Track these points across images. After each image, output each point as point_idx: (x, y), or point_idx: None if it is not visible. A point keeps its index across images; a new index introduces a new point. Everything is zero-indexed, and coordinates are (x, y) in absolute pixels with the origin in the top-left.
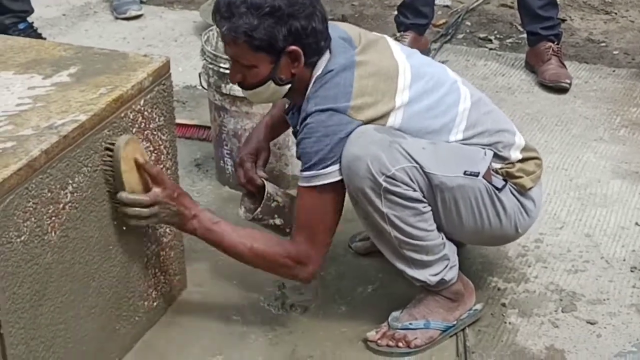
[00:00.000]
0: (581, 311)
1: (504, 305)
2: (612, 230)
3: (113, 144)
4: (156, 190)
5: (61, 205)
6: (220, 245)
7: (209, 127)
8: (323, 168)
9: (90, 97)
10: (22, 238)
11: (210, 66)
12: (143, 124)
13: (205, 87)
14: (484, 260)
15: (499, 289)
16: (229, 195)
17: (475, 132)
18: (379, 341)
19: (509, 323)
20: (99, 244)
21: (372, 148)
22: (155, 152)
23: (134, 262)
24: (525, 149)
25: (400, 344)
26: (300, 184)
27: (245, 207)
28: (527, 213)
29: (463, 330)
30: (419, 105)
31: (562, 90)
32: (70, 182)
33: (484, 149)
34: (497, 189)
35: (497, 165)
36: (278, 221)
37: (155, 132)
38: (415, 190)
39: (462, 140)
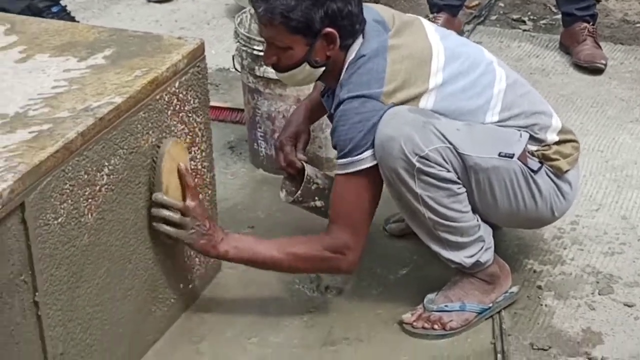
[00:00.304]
0: (618, 294)
1: (539, 287)
2: None
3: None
4: (191, 203)
5: (97, 188)
6: (256, 262)
7: (242, 110)
8: (357, 155)
9: (126, 80)
10: (59, 220)
11: (244, 48)
12: (178, 106)
13: (239, 69)
14: (520, 242)
15: (534, 272)
16: (262, 177)
17: (511, 114)
18: (414, 323)
19: (545, 305)
20: (135, 226)
21: (406, 128)
22: (190, 134)
23: (170, 245)
24: (562, 131)
25: (435, 326)
26: (337, 172)
27: (286, 190)
28: (563, 196)
29: (499, 312)
30: (453, 87)
31: (598, 71)
32: (107, 164)
33: (519, 131)
34: (532, 171)
35: (533, 148)
36: (319, 203)
37: (190, 115)
38: (449, 171)
39: (498, 122)
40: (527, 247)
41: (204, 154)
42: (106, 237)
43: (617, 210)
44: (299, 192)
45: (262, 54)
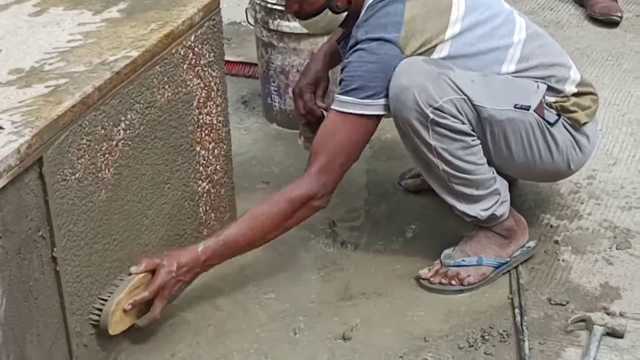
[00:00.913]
0: (636, 248)
1: (557, 242)
2: None
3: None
4: (148, 290)
5: (114, 143)
6: (243, 248)
7: (255, 64)
8: (363, 98)
9: (142, 33)
10: (77, 175)
11: (257, 1)
12: (194, 60)
13: (252, 23)
14: (537, 197)
15: (551, 226)
16: (276, 132)
17: (529, 65)
18: (431, 279)
19: (562, 260)
20: (151, 181)
21: (420, 79)
22: (206, 88)
23: (186, 200)
24: (580, 83)
25: (453, 282)
26: (333, 107)
27: (304, 136)
28: (580, 149)
29: (516, 267)
30: (470, 36)
31: (613, 23)
32: (123, 119)
33: (536, 82)
34: (549, 123)
35: (551, 99)
36: None
37: (205, 69)
38: (463, 123)
39: (515, 72)
40: (543, 202)
41: (219, 108)
42: (123, 193)
43: (635, 164)
44: None
45: (276, 6)
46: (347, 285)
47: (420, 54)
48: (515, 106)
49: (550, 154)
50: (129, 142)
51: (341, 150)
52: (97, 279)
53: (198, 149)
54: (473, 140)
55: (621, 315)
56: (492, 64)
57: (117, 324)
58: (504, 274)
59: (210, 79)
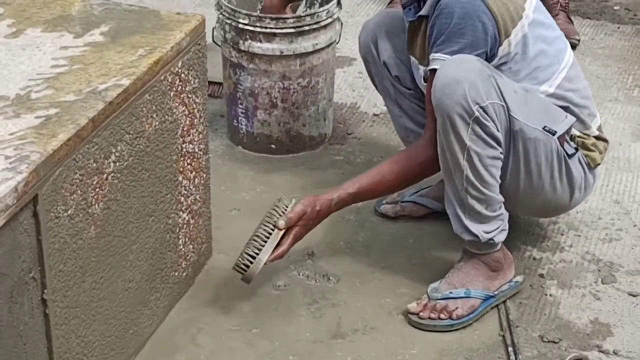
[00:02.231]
0: (621, 282)
1: (542, 276)
2: None
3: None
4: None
5: (104, 176)
6: (364, 200)
7: (219, 83)
8: (454, 53)
9: (130, 59)
10: (69, 212)
11: (228, 21)
12: (180, 87)
13: (219, 43)
14: (516, 227)
15: (534, 259)
16: (242, 155)
17: (572, 86)
18: (420, 313)
19: (550, 295)
20: (137, 214)
21: (472, 75)
22: (190, 116)
23: (167, 232)
24: (600, 128)
25: (442, 315)
26: (431, 66)
27: None
28: (585, 188)
29: (504, 302)
30: (539, 31)
31: (571, 46)
32: (114, 150)
33: (566, 112)
34: (567, 154)
35: (575, 132)
36: None
37: (190, 95)
38: (498, 131)
39: (555, 92)
40: (523, 233)
41: (200, 136)
42: (111, 228)
43: (609, 194)
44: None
45: (248, 27)
46: (338, 322)
47: (504, 24)
48: (544, 128)
49: (560, 184)
50: (118, 175)
51: None
52: (83, 320)
53: (180, 178)
54: (500, 153)
55: (615, 353)
56: (544, 71)
57: None
58: (492, 308)
59: (194, 105)
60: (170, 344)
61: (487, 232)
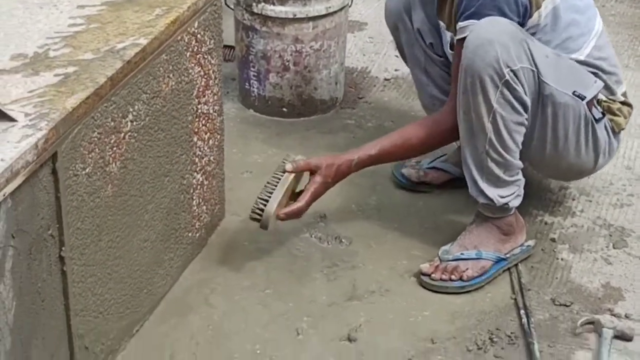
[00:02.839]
0: (632, 247)
1: (553, 240)
2: None
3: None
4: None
5: (122, 135)
6: (385, 162)
7: (231, 47)
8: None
9: (147, 19)
10: (87, 170)
11: None
12: (196, 48)
13: (231, 5)
14: (528, 192)
15: (546, 223)
16: (254, 119)
17: (601, 55)
18: (432, 275)
19: (561, 259)
20: (153, 174)
21: (504, 37)
22: (205, 77)
23: (182, 193)
24: (624, 94)
25: (453, 276)
26: (460, 34)
27: None
28: (609, 153)
29: (516, 266)
30: (568, 2)
31: None
32: (131, 110)
33: (596, 76)
34: (595, 119)
35: (602, 97)
36: None
37: (206, 56)
38: (527, 95)
39: (585, 60)
40: (534, 198)
41: (215, 97)
42: (127, 187)
43: (621, 160)
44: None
45: None
46: (353, 284)
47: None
48: (574, 93)
49: (586, 149)
50: (135, 134)
51: None
52: (99, 278)
53: (195, 139)
54: (526, 119)
55: (627, 317)
56: (575, 40)
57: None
58: (503, 271)
59: (210, 66)
60: (183, 304)
61: (503, 197)
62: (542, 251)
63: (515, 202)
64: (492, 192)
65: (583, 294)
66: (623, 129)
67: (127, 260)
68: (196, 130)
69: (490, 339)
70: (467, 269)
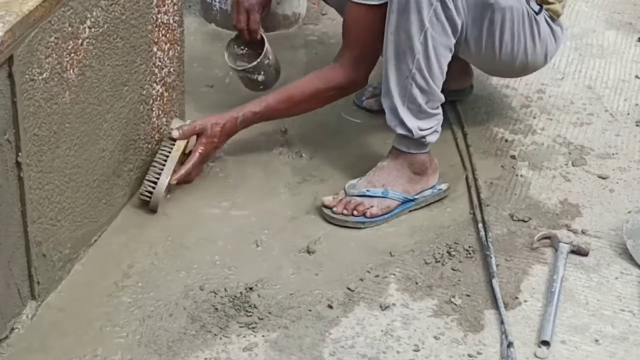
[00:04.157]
0: (591, 165)
1: (513, 157)
2: (612, 82)
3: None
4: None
5: (80, 41)
6: (272, 119)
7: None
8: None
9: None
10: (44, 75)
11: None
12: None
13: None
14: (489, 109)
15: (506, 140)
16: (215, 33)
17: None
18: (334, 208)
19: (521, 176)
20: (112, 83)
21: None
22: None
23: (141, 103)
24: None
25: (355, 212)
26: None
27: (230, 52)
28: (555, 40)
29: (475, 182)
30: None
31: None
32: (89, 16)
33: None
34: (535, 12)
35: None
36: (260, 78)
37: None
38: (460, 18)
39: None
40: (496, 115)
41: (175, 7)
42: (85, 95)
43: (582, 79)
44: (254, 63)
45: None
46: (315, 198)
47: None
48: None
49: (533, 44)
50: (93, 41)
51: (367, 37)
52: (57, 186)
53: (155, 49)
54: (454, 45)
55: (583, 233)
56: None
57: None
58: (410, 211)
59: None
60: (142, 216)
61: (422, 130)
62: (501, 167)
63: (432, 138)
64: (412, 123)
65: (541, 210)
66: (561, 14)
67: (85, 169)
68: (156, 40)
69: (448, 252)
70: (371, 206)
